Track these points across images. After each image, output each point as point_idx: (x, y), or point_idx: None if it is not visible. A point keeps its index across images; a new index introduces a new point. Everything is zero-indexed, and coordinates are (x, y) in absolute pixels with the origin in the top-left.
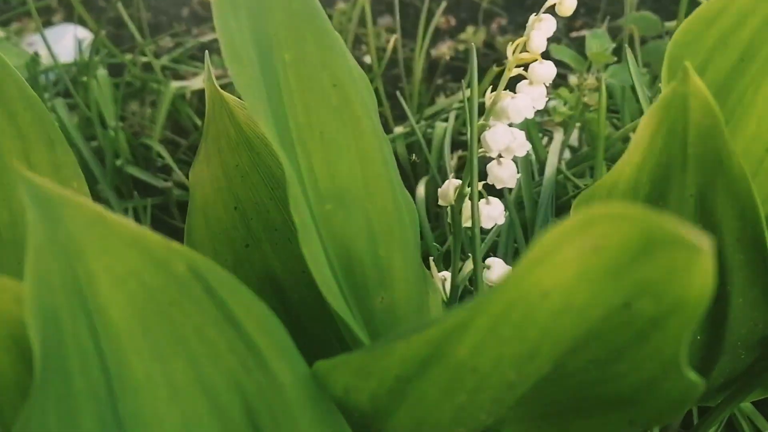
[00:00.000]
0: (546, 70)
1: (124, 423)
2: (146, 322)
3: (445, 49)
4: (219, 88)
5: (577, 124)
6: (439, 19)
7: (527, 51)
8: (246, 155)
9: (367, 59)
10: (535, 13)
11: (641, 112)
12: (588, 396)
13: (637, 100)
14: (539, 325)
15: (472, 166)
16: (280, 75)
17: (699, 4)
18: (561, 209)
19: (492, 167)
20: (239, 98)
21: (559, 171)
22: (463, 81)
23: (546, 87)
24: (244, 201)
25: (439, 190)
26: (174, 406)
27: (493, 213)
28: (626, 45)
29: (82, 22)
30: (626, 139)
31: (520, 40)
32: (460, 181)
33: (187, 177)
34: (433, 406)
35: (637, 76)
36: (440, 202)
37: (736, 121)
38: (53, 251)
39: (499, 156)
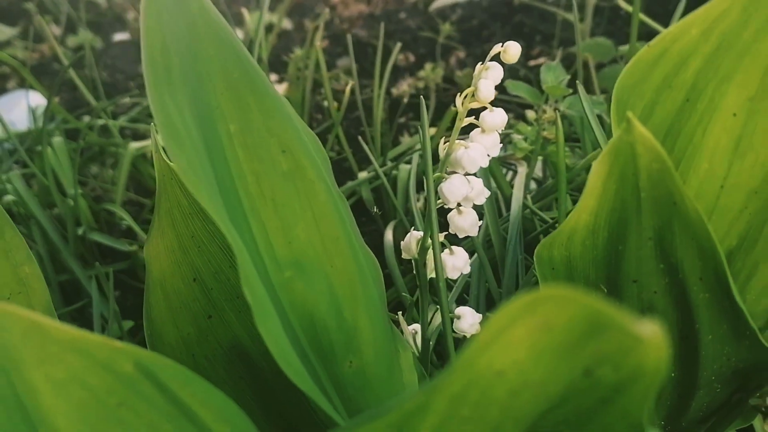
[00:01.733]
0: (497, 118)
1: None
2: (95, 427)
3: (405, 87)
4: (168, 160)
5: (540, 157)
6: (397, 56)
7: (475, 101)
8: (201, 224)
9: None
10: (481, 63)
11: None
12: None
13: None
14: (498, 403)
15: (432, 219)
16: (226, 147)
17: (650, 27)
18: (530, 245)
19: (453, 217)
20: None
21: (525, 206)
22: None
23: (499, 133)
24: (203, 271)
25: (402, 243)
26: None
27: (458, 263)
28: (577, 79)
29: (34, 88)
30: (589, 168)
31: (468, 90)
32: (421, 233)
33: None
34: None
35: (589, 108)
36: (404, 256)
37: (688, 161)
38: None
39: (459, 205)
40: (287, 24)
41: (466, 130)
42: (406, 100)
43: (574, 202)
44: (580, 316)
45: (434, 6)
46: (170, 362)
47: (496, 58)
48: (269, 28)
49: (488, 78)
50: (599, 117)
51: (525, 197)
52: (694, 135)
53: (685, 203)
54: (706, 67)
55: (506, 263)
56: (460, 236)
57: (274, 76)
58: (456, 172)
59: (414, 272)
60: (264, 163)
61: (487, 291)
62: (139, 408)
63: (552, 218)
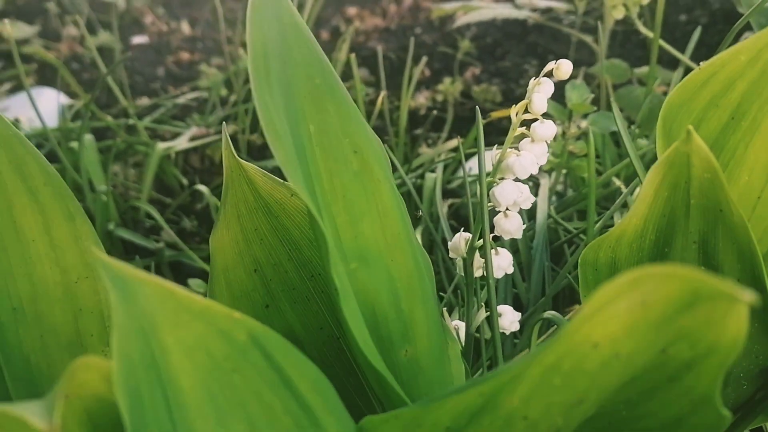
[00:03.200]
0: (547, 129)
1: None
2: (211, 390)
3: (423, 100)
4: (237, 157)
5: (563, 170)
6: (412, 69)
7: (528, 112)
8: (264, 219)
9: None
10: (534, 77)
11: (620, 157)
12: None
13: (617, 145)
14: (589, 374)
15: (484, 220)
16: (306, 145)
17: (666, 51)
18: (555, 253)
19: (499, 220)
20: (256, 165)
21: (548, 215)
22: (442, 131)
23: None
24: (264, 263)
25: (450, 243)
26: None
27: (502, 263)
28: (611, 98)
29: (50, 84)
30: (607, 184)
31: (521, 103)
32: (470, 234)
33: (178, 236)
34: None
35: (621, 124)
36: (451, 255)
37: (730, 173)
38: (132, 329)
39: (506, 209)
40: None
41: (492, 138)
42: (423, 112)
43: (598, 213)
44: (679, 290)
45: (457, 24)
46: (276, 335)
47: (549, 74)
48: None
49: (541, 92)
50: (613, 134)
51: (548, 208)
52: (737, 150)
53: (731, 210)
54: (751, 90)
55: (533, 269)
56: (506, 238)
57: None
58: (506, 179)
59: (441, 273)
60: (338, 162)
61: (513, 295)
62: (249, 375)
63: (575, 228)
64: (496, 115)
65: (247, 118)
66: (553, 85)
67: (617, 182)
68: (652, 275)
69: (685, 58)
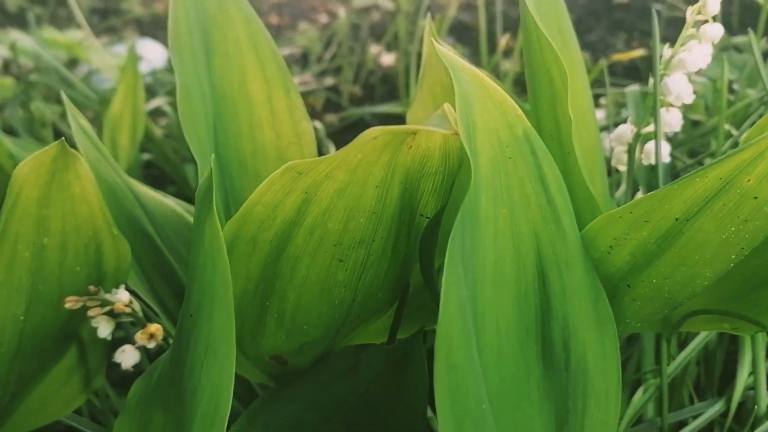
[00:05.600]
0: (715, 30)
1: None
2: (495, 170)
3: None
4: (438, 44)
5: None
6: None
7: (701, 14)
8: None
9: None
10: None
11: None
12: None
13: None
14: None
15: (657, 110)
16: None
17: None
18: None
19: (662, 114)
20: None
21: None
22: None
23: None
24: None
25: (612, 135)
26: (493, 245)
27: (672, 121)
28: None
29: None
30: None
31: (696, 5)
32: (632, 126)
33: None
34: (700, 244)
35: (758, 54)
36: (611, 144)
37: None
38: (460, 108)
39: (669, 105)
40: (389, 5)
41: None
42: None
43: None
44: None
45: None
46: (539, 138)
47: None
48: (372, 7)
49: None
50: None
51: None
52: None
53: None
54: None
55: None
56: (665, 130)
57: (378, 47)
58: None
59: None
60: None
61: None
62: (519, 164)
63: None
64: (616, 57)
65: (349, 70)
66: None
67: (727, 127)
68: None
69: None
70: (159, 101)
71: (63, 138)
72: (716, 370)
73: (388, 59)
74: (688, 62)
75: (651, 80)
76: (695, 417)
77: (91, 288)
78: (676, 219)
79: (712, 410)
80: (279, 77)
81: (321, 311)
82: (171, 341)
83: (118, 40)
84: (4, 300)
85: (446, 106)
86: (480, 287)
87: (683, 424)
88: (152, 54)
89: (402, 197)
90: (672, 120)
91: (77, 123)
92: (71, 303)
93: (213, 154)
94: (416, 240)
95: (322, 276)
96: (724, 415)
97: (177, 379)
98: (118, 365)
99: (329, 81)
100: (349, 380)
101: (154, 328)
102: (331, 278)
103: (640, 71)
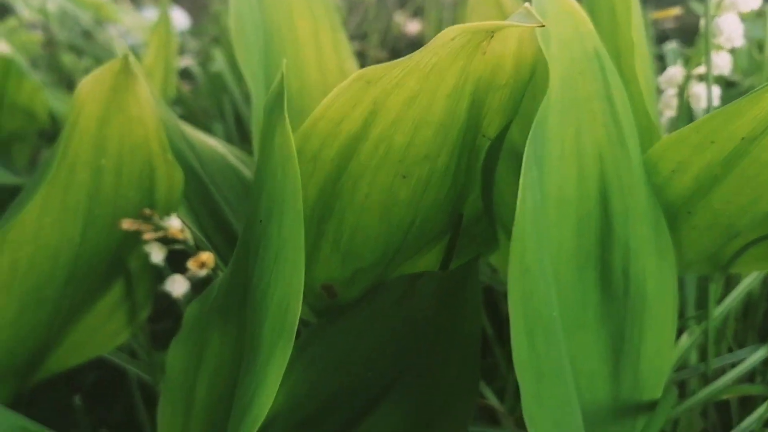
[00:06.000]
0: None
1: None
2: (564, 84)
3: None
4: None
5: None
6: None
7: None
8: None
9: None
10: None
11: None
12: None
13: None
14: None
15: (709, 52)
16: None
17: None
18: None
19: (711, 57)
20: None
21: None
22: None
23: None
24: None
25: (662, 77)
26: (558, 166)
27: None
28: None
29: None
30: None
31: None
32: (683, 67)
33: None
34: (765, 165)
35: None
36: (663, 86)
37: None
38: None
39: (719, 47)
40: None
41: None
42: None
43: None
44: None
45: None
46: (608, 58)
47: None
48: None
49: None
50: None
51: None
52: None
53: None
54: None
55: None
56: (715, 73)
57: (405, 15)
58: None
59: None
60: None
61: None
62: (587, 80)
63: None
64: (656, 15)
65: (375, 36)
66: None
67: None
68: None
69: None
70: (187, 61)
71: (126, 53)
72: (758, 318)
73: (413, 27)
74: (740, 2)
75: (702, 21)
76: (733, 366)
77: (146, 211)
78: (743, 138)
79: (755, 357)
80: (325, 15)
81: (379, 233)
82: (220, 273)
83: (137, 7)
84: (61, 222)
85: (527, 4)
86: (544, 209)
87: (722, 372)
88: (176, 19)
89: (469, 111)
90: (722, 62)
91: None
92: (127, 224)
93: (285, 60)
94: (475, 163)
95: (383, 194)
96: (765, 363)
97: (239, 294)
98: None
99: (355, 46)
100: (401, 309)
101: (206, 256)
102: (392, 197)
103: (678, 31)
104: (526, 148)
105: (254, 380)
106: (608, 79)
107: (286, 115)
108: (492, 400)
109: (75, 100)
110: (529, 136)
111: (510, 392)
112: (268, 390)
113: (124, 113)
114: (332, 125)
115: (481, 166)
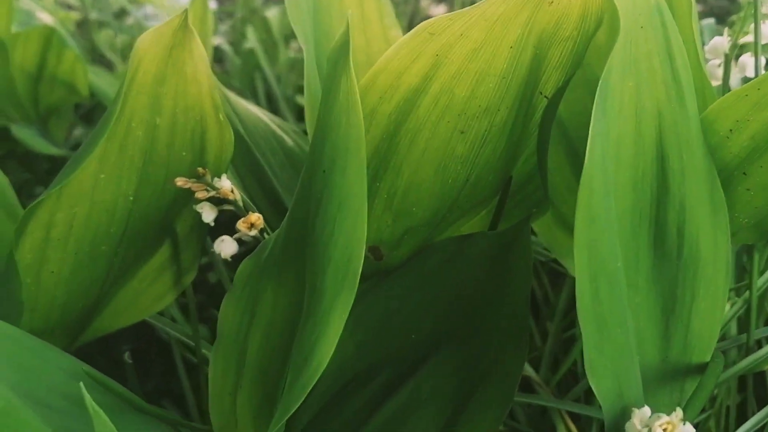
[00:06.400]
0: None
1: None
2: (626, 38)
3: None
4: None
5: None
6: None
7: None
8: None
9: None
10: None
11: None
12: None
13: None
14: None
15: (757, 24)
16: None
17: None
18: None
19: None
20: None
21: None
22: None
23: None
24: None
25: (707, 47)
26: (617, 120)
27: None
28: None
29: None
30: None
31: None
32: (728, 38)
33: None
34: None
35: None
36: (708, 56)
37: None
38: None
39: (766, 17)
40: None
41: None
42: None
43: None
44: None
45: None
46: (669, 12)
47: None
48: None
49: None
50: None
51: None
52: None
53: None
54: None
55: None
56: (762, 43)
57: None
58: None
59: None
60: None
61: None
62: (648, 35)
63: None
64: None
65: (403, 19)
66: None
67: None
68: None
69: None
70: (218, 40)
71: (186, 11)
72: None
73: (439, 10)
74: None
75: None
76: None
77: (200, 170)
78: None
79: None
80: None
81: (433, 191)
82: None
83: None
84: (117, 179)
85: None
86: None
87: (759, 345)
88: None
89: (531, 64)
90: None
91: None
92: (181, 182)
93: (349, 11)
94: (530, 121)
95: (440, 150)
96: None
97: (296, 248)
98: None
99: None
100: (450, 270)
101: (255, 217)
102: (449, 152)
103: (706, 15)
104: (595, 98)
105: (315, 329)
106: (669, 35)
107: (351, 64)
108: (528, 370)
109: (133, 56)
110: (598, 88)
111: (545, 363)
112: (330, 338)
113: (180, 72)
114: (392, 78)
115: (538, 123)
